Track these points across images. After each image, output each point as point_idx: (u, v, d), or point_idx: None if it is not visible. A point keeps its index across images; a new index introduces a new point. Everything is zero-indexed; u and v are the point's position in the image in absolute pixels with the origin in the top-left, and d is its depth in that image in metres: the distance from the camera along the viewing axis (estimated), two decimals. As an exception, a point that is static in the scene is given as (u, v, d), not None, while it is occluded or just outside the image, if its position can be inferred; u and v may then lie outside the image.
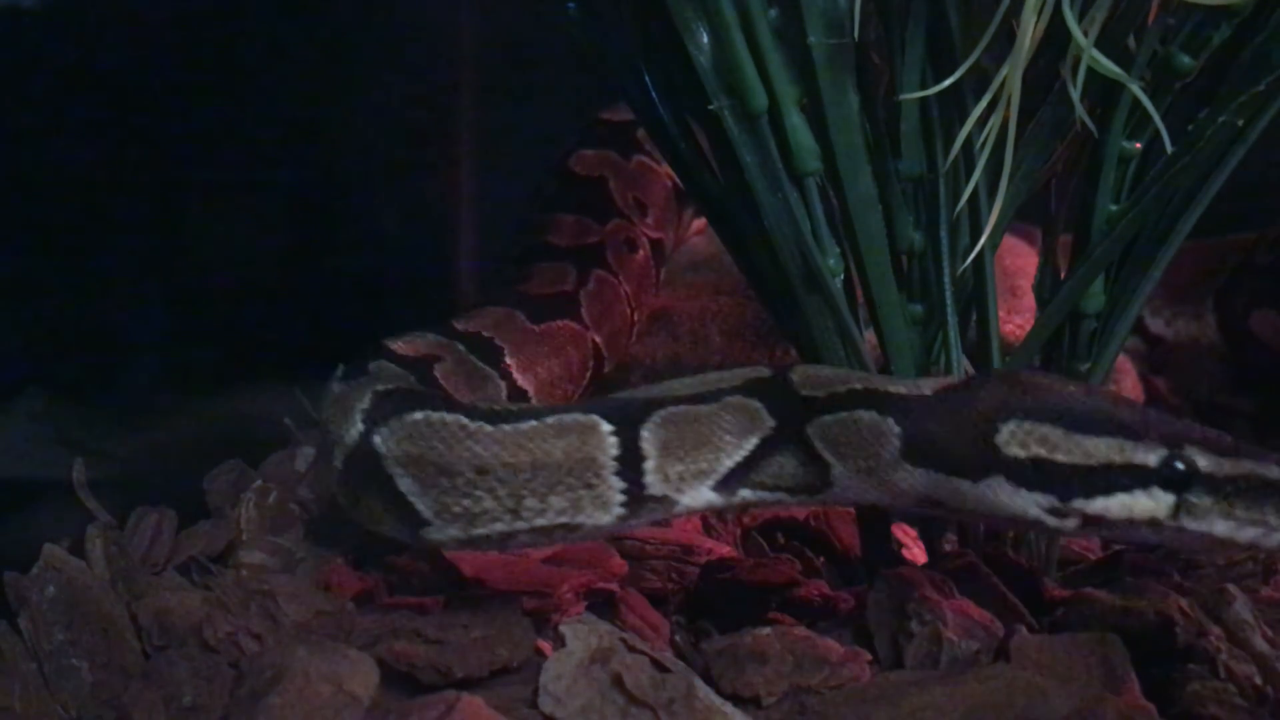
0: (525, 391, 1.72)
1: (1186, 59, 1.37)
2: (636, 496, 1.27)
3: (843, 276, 1.41)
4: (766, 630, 1.32)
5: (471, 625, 1.31)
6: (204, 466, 1.81)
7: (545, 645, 1.36)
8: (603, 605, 1.47)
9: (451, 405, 1.29)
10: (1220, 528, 1.19)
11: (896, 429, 1.26)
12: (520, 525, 1.27)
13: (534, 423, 1.26)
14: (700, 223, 2.38)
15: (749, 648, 1.27)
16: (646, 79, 1.45)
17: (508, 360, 1.71)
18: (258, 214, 2.27)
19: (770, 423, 1.29)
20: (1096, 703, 1.15)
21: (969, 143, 1.36)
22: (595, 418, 1.27)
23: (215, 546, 1.60)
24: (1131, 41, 1.37)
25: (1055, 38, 1.28)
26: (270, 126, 2.24)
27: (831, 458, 1.28)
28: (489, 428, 1.25)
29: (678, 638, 1.43)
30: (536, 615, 1.40)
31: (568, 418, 1.27)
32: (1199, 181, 1.41)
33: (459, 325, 1.72)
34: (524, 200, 2.31)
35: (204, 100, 2.11)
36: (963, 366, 1.49)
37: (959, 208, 1.42)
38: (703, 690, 1.22)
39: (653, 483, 1.27)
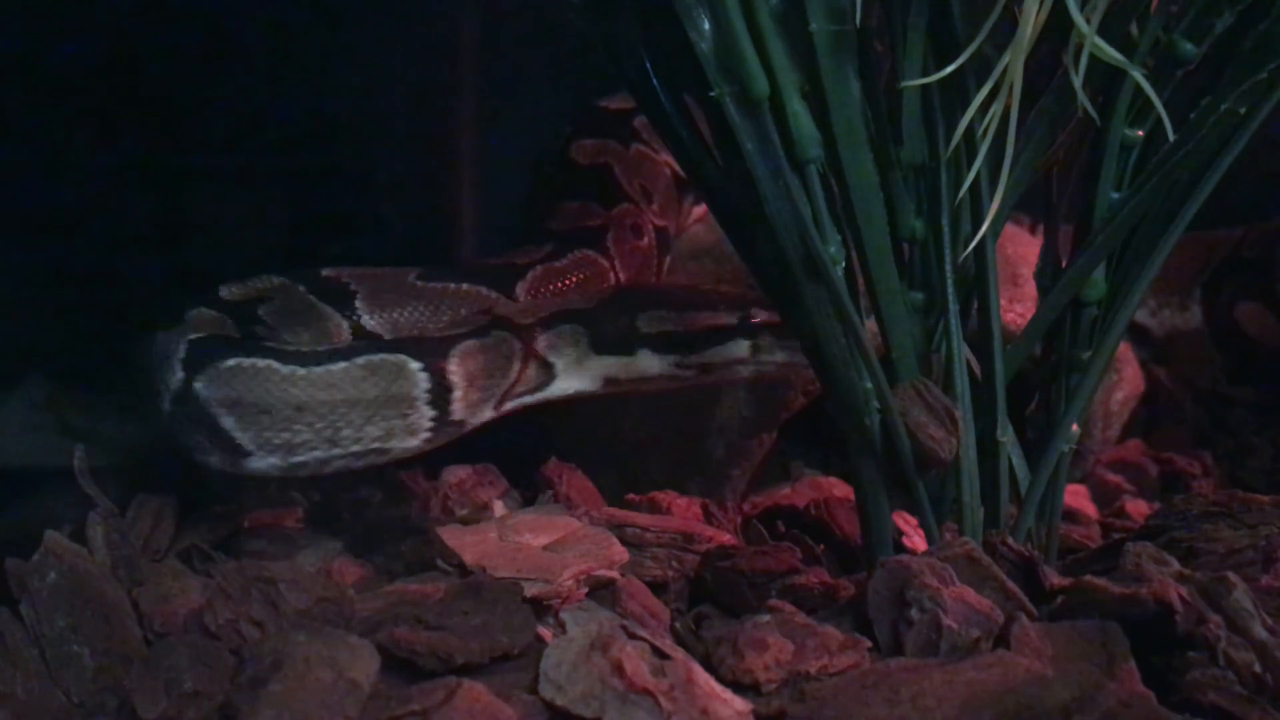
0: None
1: (1189, 46, 1.37)
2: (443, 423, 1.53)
3: (844, 264, 1.40)
4: (766, 617, 1.32)
5: (472, 612, 1.31)
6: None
7: (546, 632, 1.36)
8: (603, 592, 1.47)
9: (267, 350, 1.48)
10: (780, 356, 1.72)
11: (585, 331, 1.71)
12: (336, 452, 1.48)
13: (344, 364, 1.46)
14: (701, 210, 2.37)
15: (749, 635, 1.27)
16: (648, 65, 1.44)
17: (358, 304, 1.75)
18: (258, 202, 2.27)
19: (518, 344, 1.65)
20: (1096, 690, 1.15)
21: (971, 130, 1.36)
22: (403, 356, 1.50)
23: (216, 534, 1.60)
24: (1134, 28, 1.37)
25: (1057, 25, 1.27)
26: (270, 116, 2.24)
27: (554, 359, 1.70)
28: (301, 370, 1.45)
29: (678, 625, 1.43)
30: (537, 602, 1.40)
31: (376, 358, 1.48)
32: (1201, 170, 1.41)
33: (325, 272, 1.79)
34: (524, 188, 2.31)
35: (207, 93, 2.11)
36: (964, 355, 1.49)
37: (960, 195, 1.41)
38: (703, 677, 1.22)
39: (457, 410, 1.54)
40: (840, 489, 1.93)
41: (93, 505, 1.55)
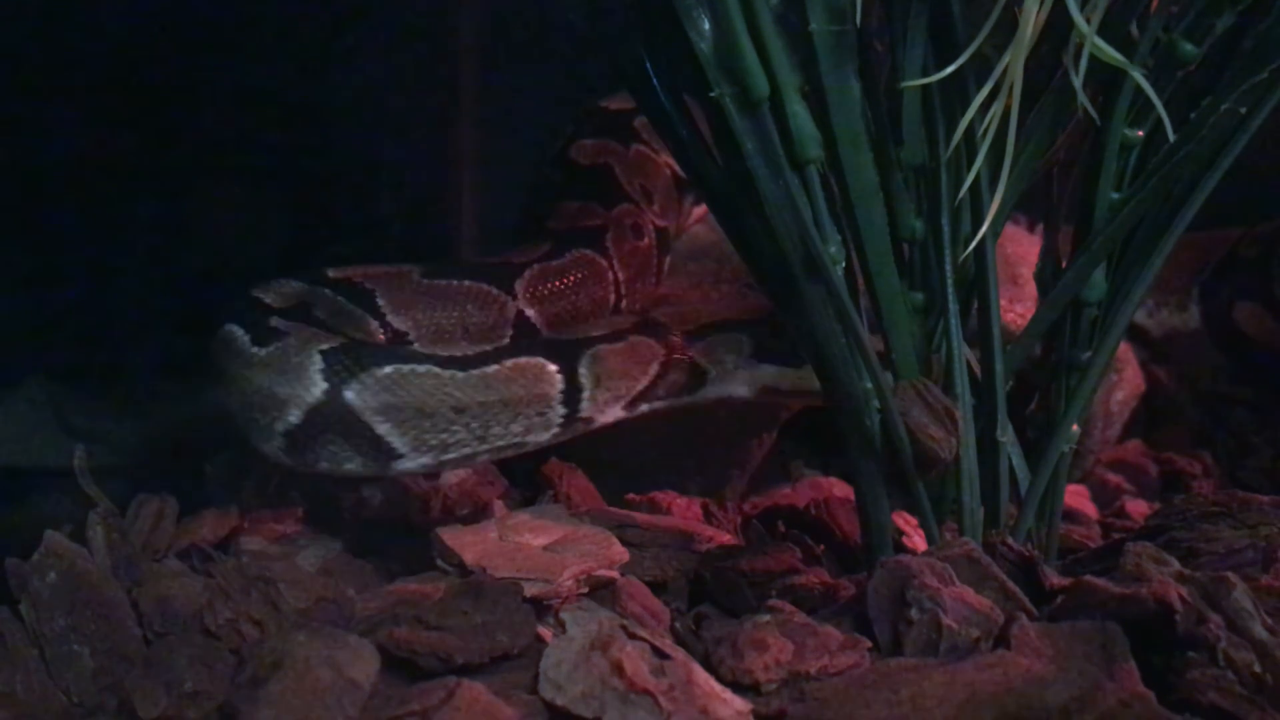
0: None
1: (1189, 46, 1.37)
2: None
3: (844, 264, 1.40)
4: (766, 617, 1.32)
5: (472, 612, 1.31)
6: (205, 453, 1.82)
7: (546, 632, 1.37)
8: (603, 592, 1.47)
9: (422, 356, 1.50)
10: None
11: (749, 340, 1.75)
12: (483, 448, 1.54)
13: (496, 366, 1.53)
14: (701, 210, 2.37)
15: (749, 635, 1.27)
16: (648, 66, 1.44)
17: (380, 305, 1.75)
18: (259, 201, 2.27)
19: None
20: (1096, 690, 1.15)
21: (971, 130, 1.36)
22: (541, 359, 1.57)
23: (217, 533, 1.60)
24: (1134, 29, 1.37)
25: (1057, 25, 1.27)
26: (271, 115, 2.24)
27: (708, 364, 1.76)
28: (460, 374, 1.50)
29: (678, 625, 1.43)
30: (537, 602, 1.40)
31: (522, 360, 1.55)
32: (1201, 170, 1.41)
33: (332, 273, 1.77)
34: (524, 189, 2.31)
35: (203, 92, 2.11)
36: (964, 355, 1.49)
37: (960, 196, 1.41)
38: (702, 677, 1.22)
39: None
40: (840, 489, 1.93)
41: (93, 505, 1.55)
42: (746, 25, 1.30)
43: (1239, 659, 1.20)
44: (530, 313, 1.85)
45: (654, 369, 1.69)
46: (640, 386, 1.68)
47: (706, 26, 1.31)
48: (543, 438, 1.59)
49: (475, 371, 1.52)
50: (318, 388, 1.47)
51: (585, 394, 1.61)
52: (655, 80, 1.45)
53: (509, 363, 1.55)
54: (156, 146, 2.06)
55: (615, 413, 1.68)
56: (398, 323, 1.74)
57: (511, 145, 2.52)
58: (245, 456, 1.83)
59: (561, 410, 1.58)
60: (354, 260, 1.82)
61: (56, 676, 1.30)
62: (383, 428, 1.48)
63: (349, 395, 1.47)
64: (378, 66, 2.36)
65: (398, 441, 1.49)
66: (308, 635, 1.22)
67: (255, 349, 1.52)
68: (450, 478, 1.82)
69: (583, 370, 1.61)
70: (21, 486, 1.75)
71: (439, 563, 1.53)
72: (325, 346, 1.50)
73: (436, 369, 1.50)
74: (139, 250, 2.09)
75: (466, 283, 1.83)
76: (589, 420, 1.64)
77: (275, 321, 1.55)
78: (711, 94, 1.33)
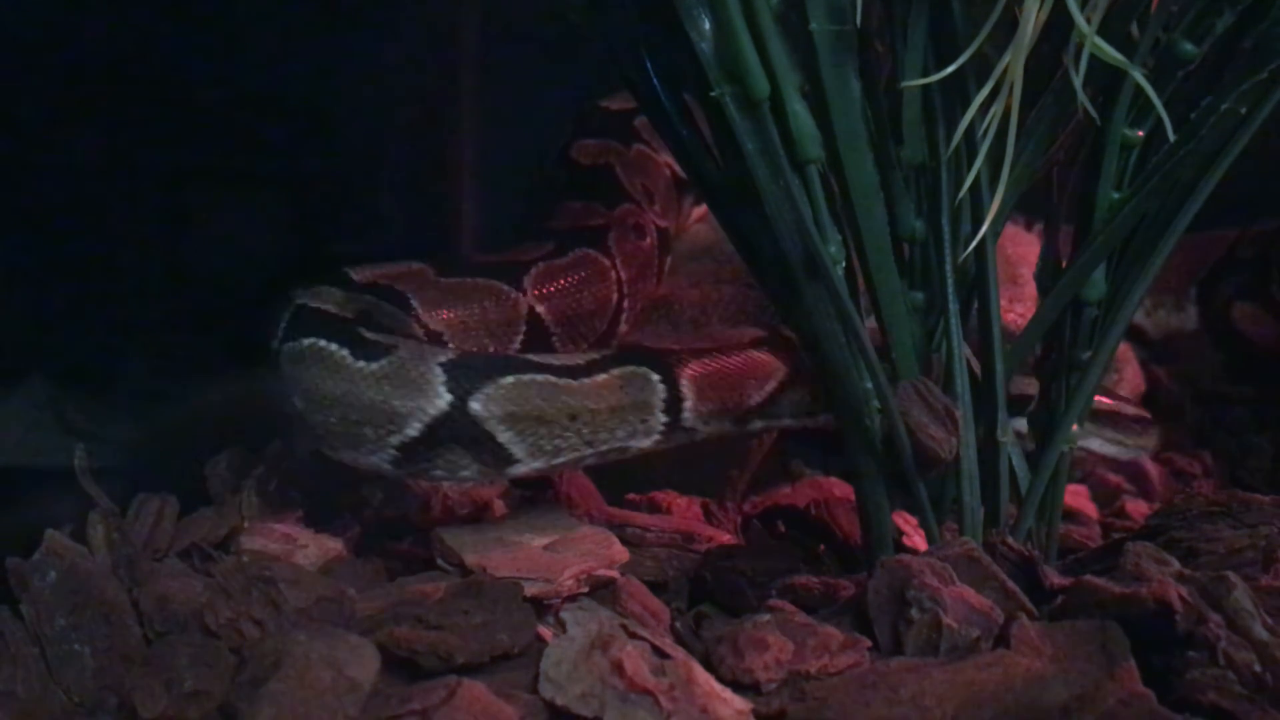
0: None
1: (1189, 46, 1.37)
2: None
3: (844, 264, 1.41)
4: (766, 617, 1.32)
5: (473, 611, 1.31)
6: (205, 453, 1.82)
7: (546, 631, 1.37)
8: (603, 592, 1.47)
9: (537, 365, 1.54)
10: (1095, 444, 1.86)
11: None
12: (590, 452, 1.56)
13: (605, 375, 1.56)
14: (701, 211, 2.37)
15: (749, 634, 1.27)
16: (648, 65, 1.44)
17: (414, 304, 1.74)
18: (258, 202, 2.27)
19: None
20: (1096, 689, 1.15)
21: (971, 130, 1.36)
22: (645, 369, 1.59)
23: (217, 533, 1.60)
24: (1134, 28, 1.37)
25: (1058, 25, 1.27)
26: (270, 114, 2.23)
27: None
28: (575, 383, 1.54)
29: (678, 624, 1.43)
30: (537, 602, 1.41)
31: (629, 370, 1.58)
32: (1201, 170, 1.41)
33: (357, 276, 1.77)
34: (524, 189, 2.31)
35: (204, 89, 2.11)
36: (964, 355, 1.49)
37: (961, 195, 1.41)
38: (703, 676, 1.22)
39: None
40: (840, 489, 1.93)
41: (93, 504, 1.55)
42: (747, 25, 1.31)
43: (1239, 659, 1.20)
44: (540, 309, 1.86)
45: (771, 386, 1.67)
46: (753, 402, 1.66)
47: (707, 26, 1.31)
48: (645, 443, 1.61)
49: (587, 380, 1.56)
50: (442, 399, 1.49)
51: (687, 404, 1.62)
52: (656, 80, 1.45)
53: (615, 371, 1.59)
54: (156, 145, 2.06)
55: (722, 425, 1.67)
56: (432, 323, 1.75)
57: (512, 145, 2.52)
58: (245, 456, 1.83)
59: (663, 418, 1.60)
60: (355, 260, 1.82)
61: (57, 676, 1.30)
62: (505, 435, 1.51)
63: (475, 406, 1.50)
64: (378, 65, 2.36)
65: (516, 448, 1.52)
66: (308, 635, 1.22)
67: (361, 363, 1.51)
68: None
69: (684, 381, 1.62)
70: (22, 486, 1.75)
71: (439, 562, 1.53)
72: (443, 359, 1.52)
73: (553, 378, 1.54)
74: (139, 249, 2.08)
75: (480, 280, 1.83)
76: (692, 430, 1.65)
77: (367, 334, 1.55)
78: (712, 93, 1.33)
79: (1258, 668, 1.20)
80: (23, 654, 1.31)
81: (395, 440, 1.51)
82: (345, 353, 1.52)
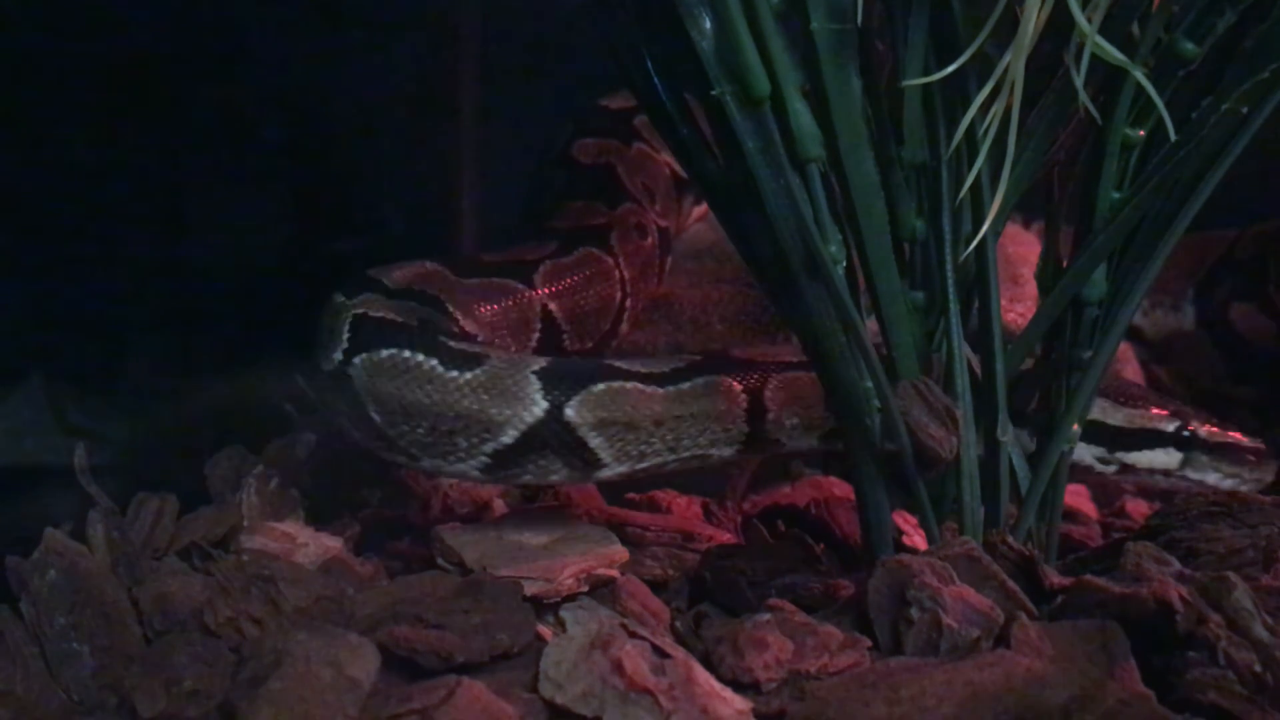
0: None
1: (1190, 46, 1.37)
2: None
3: (844, 263, 1.40)
4: (766, 616, 1.32)
5: (472, 610, 1.31)
6: (205, 452, 1.82)
7: (546, 631, 1.37)
8: (603, 591, 1.47)
9: (625, 373, 1.58)
10: (1210, 478, 1.75)
11: None
12: (672, 458, 1.60)
13: (689, 384, 1.60)
14: (700, 210, 2.37)
15: (749, 634, 1.27)
16: (649, 64, 1.44)
17: (449, 307, 1.75)
18: (258, 199, 2.27)
19: None
20: (1096, 689, 1.15)
21: (972, 130, 1.36)
22: (730, 379, 1.62)
23: (216, 532, 1.60)
24: (1135, 28, 1.37)
25: (1059, 24, 1.27)
26: (270, 112, 2.23)
27: None
28: (660, 390, 1.59)
29: (678, 624, 1.43)
30: (537, 601, 1.41)
31: (714, 379, 1.62)
32: (1202, 169, 1.41)
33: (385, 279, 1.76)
34: (525, 188, 2.31)
35: (205, 86, 2.11)
36: (964, 354, 1.48)
37: (961, 195, 1.41)
38: (703, 676, 1.22)
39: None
40: (840, 488, 1.93)
41: (93, 503, 1.55)
42: (748, 24, 1.30)
43: (1239, 659, 1.20)
44: (552, 306, 1.87)
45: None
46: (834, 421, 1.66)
47: (708, 25, 1.31)
48: (726, 452, 1.64)
49: (672, 387, 1.60)
50: (539, 407, 1.53)
51: (770, 416, 1.64)
52: (656, 79, 1.44)
53: (700, 380, 1.62)
54: (156, 143, 2.06)
55: (807, 441, 1.68)
56: (468, 326, 1.75)
57: (512, 144, 2.52)
58: (245, 454, 1.83)
59: (744, 428, 1.63)
60: (355, 259, 1.81)
61: (57, 674, 1.30)
62: (595, 441, 1.55)
63: (569, 412, 1.54)
64: (378, 64, 2.36)
65: (605, 453, 1.56)
66: (308, 633, 1.22)
67: (454, 373, 1.53)
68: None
69: (769, 394, 1.65)
70: (21, 485, 1.75)
71: (439, 561, 1.53)
72: (536, 367, 1.56)
73: (640, 385, 1.58)
74: (138, 248, 2.08)
75: (496, 280, 1.83)
76: (777, 442, 1.67)
77: (453, 344, 1.57)
78: (713, 92, 1.33)
79: (1258, 668, 1.20)
80: (22, 653, 1.31)
81: (489, 448, 1.54)
82: (435, 363, 1.54)
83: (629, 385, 1.57)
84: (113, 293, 2.04)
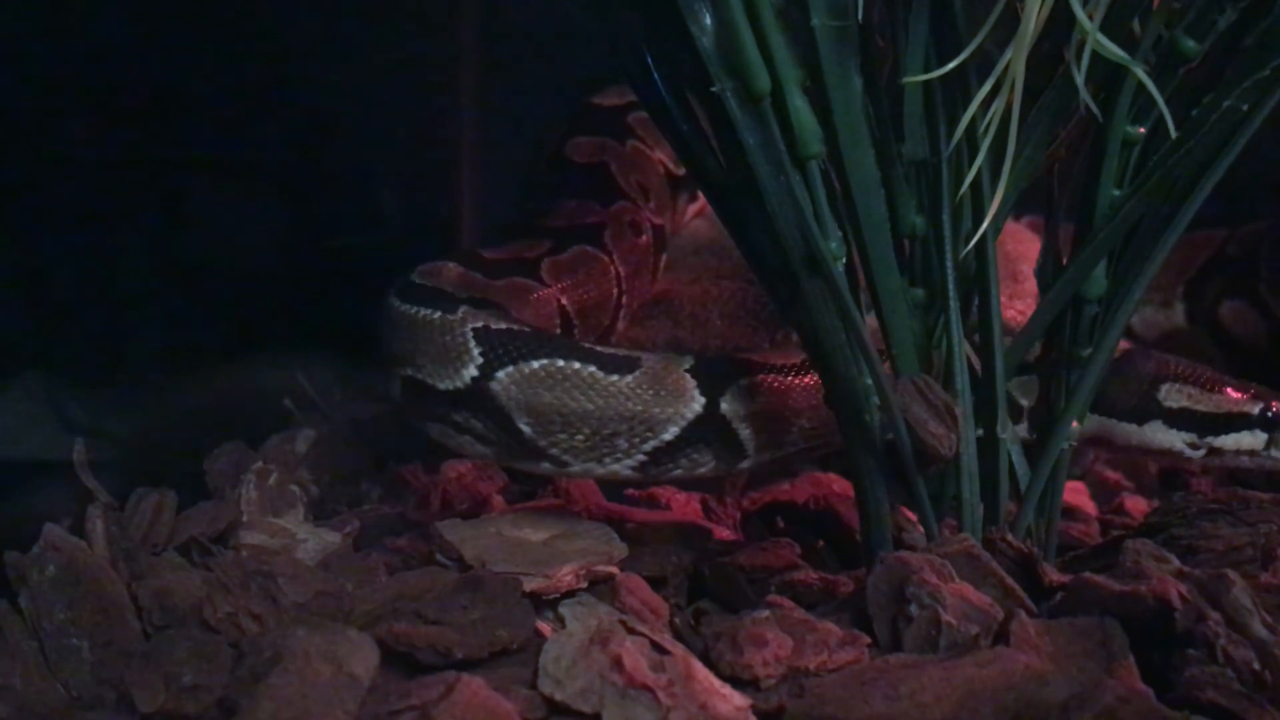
0: None
1: (1191, 43, 1.37)
2: None
3: (844, 260, 1.40)
4: (765, 613, 1.32)
5: (471, 606, 1.31)
6: (204, 447, 1.82)
7: (545, 627, 1.36)
8: (602, 587, 1.47)
9: (761, 365, 1.62)
10: None
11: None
12: (803, 446, 1.65)
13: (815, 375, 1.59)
14: (697, 208, 2.37)
15: (748, 630, 1.27)
16: (648, 61, 1.44)
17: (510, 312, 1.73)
18: (257, 197, 2.27)
19: None
20: (1094, 686, 1.15)
21: (972, 127, 1.36)
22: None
23: (215, 527, 1.60)
24: (1136, 25, 1.37)
25: (1059, 21, 1.27)
26: (269, 110, 2.23)
27: (1024, 400, 1.72)
28: (796, 380, 1.63)
29: (677, 620, 1.43)
30: (536, 597, 1.40)
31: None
32: (1202, 167, 1.41)
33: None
34: (519, 186, 2.31)
35: (203, 88, 2.11)
36: (964, 352, 1.48)
37: (961, 192, 1.41)
38: (702, 672, 1.22)
39: None
40: (840, 485, 1.93)
41: (92, 498, 1.55)
42: (748, 20, 1.30)
43: (1238, 656, 1.20)
44: (564, 301, 1.87)
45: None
46: None
47: (708, 21, 1.31)
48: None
49: (809, 378, 1.64)
50: (697, 403, 1.58)
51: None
52: (656, 75, 1.44)
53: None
54: (156, 141, 2.06)
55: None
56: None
57: (512, 142, 2.52)
58: (244, 450, 1.83)
59: (878, 415, 1.62)
60: (354, 259, 1.81)
61: (56, 669, 1.30)
62: (744, 433, 1.60)
63: (724, 406, 1.59)
64: (377, 63, 2.36)
65: (751, 444, 1.61)
66: (307, 629, 1.21)
67: (615, 378, 1.57)
68: (449, 472, 1.82)
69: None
70: (20, 480, 1.75)
71: (438, 557, 1.53)
72: (686, 365, 1.60)
73: (777, 376, 1.63)
74: (138, 245, 2.08)
75: (517, 279, 1.83)
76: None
77: (603, 349, 1.62)
78: (713, 89, 1.33)
79: (1257, 665, 1.20)
80: (21, 648, 1.31)
81: (649, 446, 1.58)
82: (593, 369, 1.56)
83: (769, 378, 1.62)
84: (112, 289, 2.04)
